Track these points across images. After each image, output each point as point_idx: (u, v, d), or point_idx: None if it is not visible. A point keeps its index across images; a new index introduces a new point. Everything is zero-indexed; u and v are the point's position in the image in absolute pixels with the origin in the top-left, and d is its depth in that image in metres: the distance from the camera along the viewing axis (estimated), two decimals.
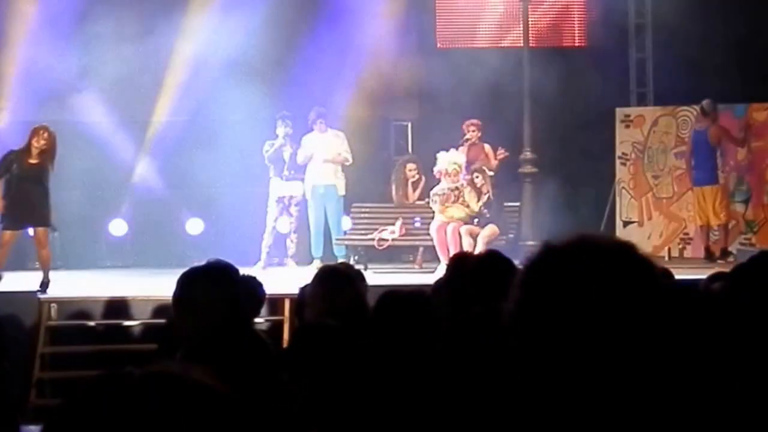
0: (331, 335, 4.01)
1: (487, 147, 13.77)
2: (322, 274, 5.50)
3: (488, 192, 13.24)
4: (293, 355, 4.00)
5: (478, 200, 13.20)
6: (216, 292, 4.21)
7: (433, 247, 13.26)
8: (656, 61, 16.11)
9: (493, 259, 5.75)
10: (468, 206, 13.17)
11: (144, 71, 14.55)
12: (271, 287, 9.29)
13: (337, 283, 5.31)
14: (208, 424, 1.48)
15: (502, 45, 15.52)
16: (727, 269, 5.41)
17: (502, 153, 13.67)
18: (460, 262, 6.48)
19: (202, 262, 4.63)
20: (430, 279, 8.15)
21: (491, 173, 13.46)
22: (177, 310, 4.40)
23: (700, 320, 3.30)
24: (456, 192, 13.23)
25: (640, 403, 1.74)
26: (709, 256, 13.98)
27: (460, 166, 13.30)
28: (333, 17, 15.03)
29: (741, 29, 14.50)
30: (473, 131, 13.76)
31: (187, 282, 4.32)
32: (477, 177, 13.28)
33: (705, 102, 14.06)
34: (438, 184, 13.44)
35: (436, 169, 13.41)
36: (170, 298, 4.26)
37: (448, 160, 13.34)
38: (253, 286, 5.21)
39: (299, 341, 4.10)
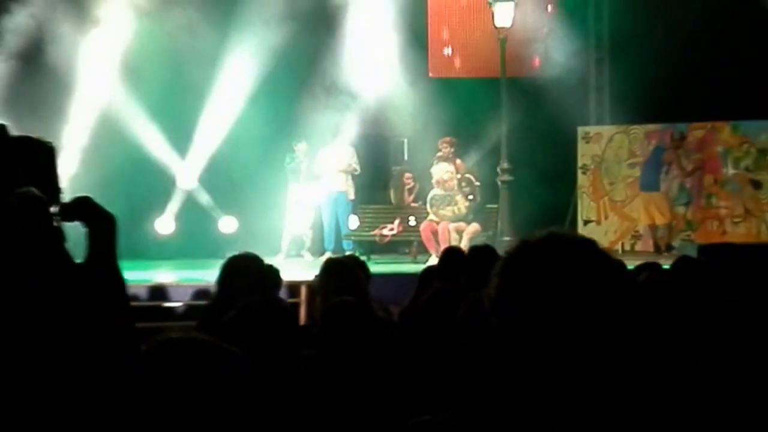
0: (357, 313, 3.92)
1: (458, 162, 13.75)
2: (328, 265, 5.48)
3: (473, 197, 13.31)
4: (321, 333, 3.90)
5: (465, 203, 13.25)
6: (245, 273, 4.30)
7: None
8: (612, 88, 16.13)
9: (485, 253, 5.76)
10: (457, 208, 13.21)
11: (189, 86, 14.50)
12: (290, 275, 9.32)
13: (340, 272, 5.30)
14: (225, 375, 1.56)
15: (483, 75, 15.52)
16: (668, 261, 5.43)
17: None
18: (450, 254, 6.50)
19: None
20: (421, 268, 8.14)
21: (477, 183, 13.49)
22: (221, 285, 4.53)
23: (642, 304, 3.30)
24: (448, 198, 13.28)
25: (602, 370, 1.74)
26: (657, 250, 14.19)
27: (452, 173, 13.36)
28: (343, 52, 15.09)
29: (683, 61, 14.53)
30: (445, 147, 13.74)
31: (227, 265, 4.45)
32: (464, 184, 13.34)
33: (680, 133, 14.58)
34: (431, 190, 13.51)
35: (434, 180, 13.45)
36: (206, 284, 4.32)
37: (442, 170, 13.40)
38: (272, 271, 5.20)
39: (329, 319, 3.96)
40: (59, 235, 2.22)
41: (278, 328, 3.67)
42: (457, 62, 15.96)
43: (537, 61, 15.68)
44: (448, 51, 15.99)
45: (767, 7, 14.12)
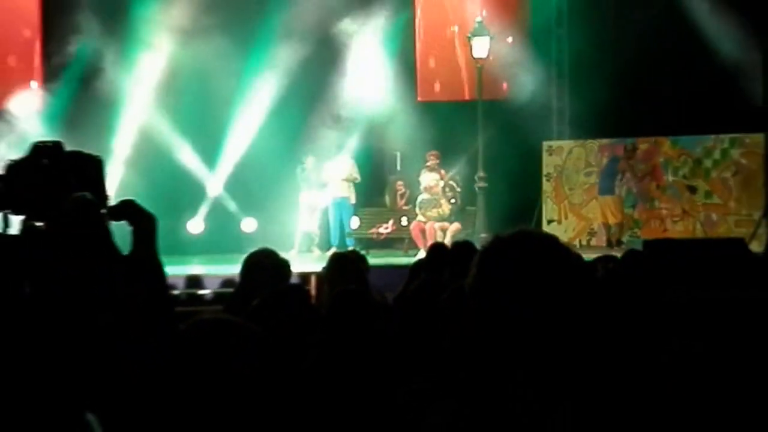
0: (358, 298, 3.86)
1: (442, 171, 13.78)
2: (334, 258, 5.47)
3: (455, 200, 13.35)
4: (328, 315, 3.84)
5: (449, 205, 13.27)
6: (263, 266, 4.31)
7: None
8: (571, 109, 16.12)
9: (465, 247, 5.75)
10: (441, 210, 13.24)
11: (216, 106, 14.43)
12: (301, 267, 9.32)
13: (344, 264, 5.28)
14: (249, 348, 1.59)
15: (463, 98, 15.51)
16: (618, 253, 5.45)
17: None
18: (436, 249, 6.49)
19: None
20: (412, 260, 8.17)
21: (458, 189, 13.53)
22: (244, 275, 4.53)
23: (600, 289, 3.29)
24: (434, 202, 13.32)
25: (567, 342, 1.74)
26: (609, 244, 14.23)
27: (437, 180, 13.40)
28: (346, 79, 15.10)
29: (631, 87, 14.56)
30: (432, 159, 13.77)
31: (249, 258, 4.46)
32: (447, 190, 13.37)
33: (632, 145, 14.59)
34: (420, 195, 13.54)
35: (422, 187, 13.50)
36: (231, 275, 4.30)
37: (429, 178, 13.44)
38: (283, 264, 5.18)
39: (335, 304, 3.88)
40: (108, 233, 2.23)
41: (299, 313, 3.66)
42: (441, 88, 15.96)
43: (508, 87, 15.68)
44: (433, 78, 15.99)
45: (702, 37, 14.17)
